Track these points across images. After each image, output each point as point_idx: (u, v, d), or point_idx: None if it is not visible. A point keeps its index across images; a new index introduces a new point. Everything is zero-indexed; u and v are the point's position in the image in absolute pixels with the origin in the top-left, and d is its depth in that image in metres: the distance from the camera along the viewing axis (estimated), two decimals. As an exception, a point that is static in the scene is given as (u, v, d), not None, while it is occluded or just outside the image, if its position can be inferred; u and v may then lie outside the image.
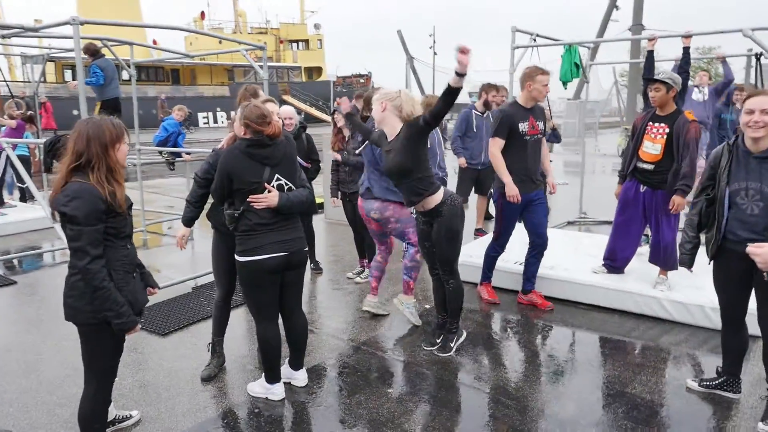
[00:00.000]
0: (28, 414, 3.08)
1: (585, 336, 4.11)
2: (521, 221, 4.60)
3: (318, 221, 6.90)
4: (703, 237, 3.08)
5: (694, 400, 3.17)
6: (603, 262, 4.82)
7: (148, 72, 36.32)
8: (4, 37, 5.05)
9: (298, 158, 3.21)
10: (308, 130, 5.21)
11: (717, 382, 3.18)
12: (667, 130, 4.26)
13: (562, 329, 4.22)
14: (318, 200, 7.39)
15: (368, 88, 36.67)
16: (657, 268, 4.56)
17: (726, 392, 3.15)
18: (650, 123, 4.39)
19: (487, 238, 6.05)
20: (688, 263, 3.14)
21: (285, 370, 3.29)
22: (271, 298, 3.01)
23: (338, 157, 5.17)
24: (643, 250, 4.97)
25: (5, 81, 8.05)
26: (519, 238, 5.91)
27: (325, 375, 3.50)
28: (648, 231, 4.80)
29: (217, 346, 3.52)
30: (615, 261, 4.75)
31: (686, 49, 5.25)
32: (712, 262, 3.05)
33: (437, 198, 3.51)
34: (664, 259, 4.44)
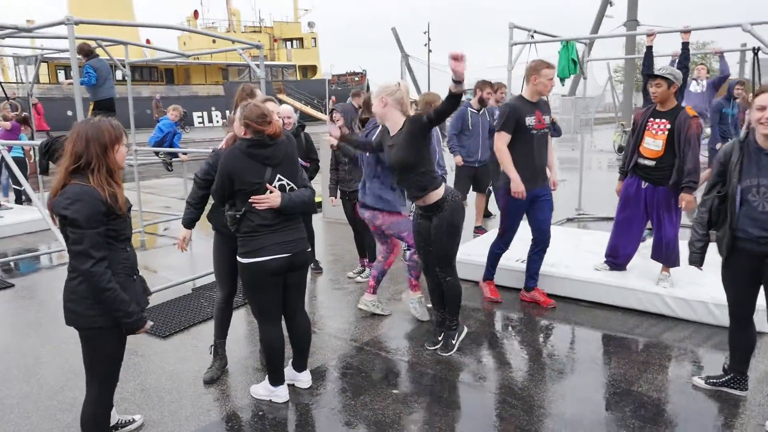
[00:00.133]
0: (29, 419, 3.04)
1: (588, 334, 4.09)
2: (525, 218, 4.57)
3: (316, 220, 6.85)
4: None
5: (701, 397, 3.15)
6: (605, 259, 4.80)
7: (142, 72, 36.14)
8: (-2, 37, 4.98)
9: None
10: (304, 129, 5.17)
11: (724, 379, 3.16)
12: (668, 126, 4.25)
13: (565, 327, 4.21)
14: (317, 199, 7.36)
15: (363, 86, 36.76)
16: (659, 265, 4.55)
17: (733, 389, 3.14)
18: (651, 119, 4.37)
19: (488, 236, 6.05)
20: (699, 262, 3.11)
21: (288, 371, 3.26)
22: (275, 299, 2.97)
23: (333, 141, 5.11)
24: (647, 243, 4.91)
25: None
26: (520, 235, 5.90)
27: (328, 376, 3.47)
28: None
29: (219, 348, 3.48)
30: (617, 258, 4.73)
31: (685, 45, 5.23)
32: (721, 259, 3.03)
33: (439, 193, 3.51)
34: (666, 255, 4.43)
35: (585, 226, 7.46)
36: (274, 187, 2.85)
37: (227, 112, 36.30)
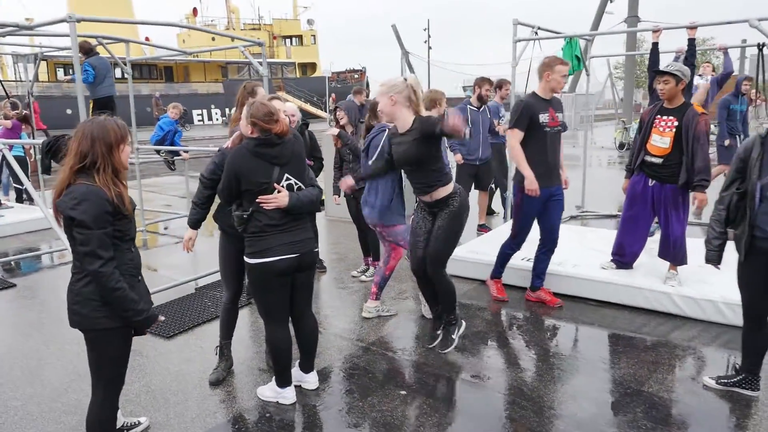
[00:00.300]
0: (34, 422, 3.00)
1: (596, 333, 4.06)
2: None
3: (319, 219, 6.82)
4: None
5: (712, 398, 3.12)
6: (611, 258, 4.77)
7: (141, 70, 36.06)
8: (-1, 35, 4.94)
9: None
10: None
11: (735, 379, 3.13)
12: (676, 123, 4.21)
13: (572, 326, 4.18)
14: (320, 198, 7.32)
15: (363, 83, 36.65)
16: (665, 263, 4.52)
17: (745, 390, 3.10)
18: (658, 116, 4.33)
19: (493, 234, 6.02)
20: (716, 260, 3.07)
21: (295, 372, 3.22)
22: (282, 300, 2.93)
23: (335, 131, 5.08)
24: (655, 238, 4.86)
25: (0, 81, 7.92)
26: (531, 235, 5.87)
27: (335, 377, 3.44)
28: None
29: (225, 349, 3.45)
30: (623, 256, 4.70)
31: (692, 41, 5.19)
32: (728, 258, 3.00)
33: (448, 189, 3.48)
34: (673, 253, 4.40)
35: (587, 224, 7.43)
36: (282, 186, 2.81)
37: (227, 109, 36.37)
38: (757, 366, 3.06)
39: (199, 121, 35.87)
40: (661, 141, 4.29)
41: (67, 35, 4.42)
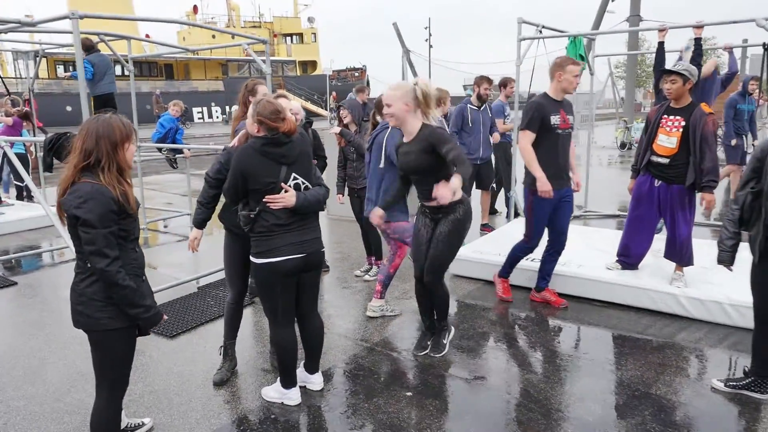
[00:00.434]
0: (36, 423, 2.97)
1: (602, 334, 4.03)
2: None
3: (321, 217, 6.79)
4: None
5: (721, 401, 3.09)
6: (617, 258, 4.74)
7: (141, 67, 35.99)
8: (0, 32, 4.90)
9: None
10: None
11: (744, 382, 3.10)
12: (683, 123, 4.17)
13: (578, 327, 4.15)
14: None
15: (363, 81, 36.58)
16: (671, 264, 4.49)
17: (754, 393, 3.08)
18: (665, 116, 4.30)
19: (496, 234, 5.99)
20: (729, 261, 3.03)
21: (300, 373, 3.19)
22: (288, 300, 2.90)
23: (337, 130, 5.06)
24: (661, 236, 4.82)
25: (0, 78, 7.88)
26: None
27: (340, 378, 3.41)
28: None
29: (229, 349, 3.42)
30: (629, 257, 4.67)
31: (698, 40, 5.16)
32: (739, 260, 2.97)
33: (458, 195, 3.39)
34: (679, 254, 4.37)
35: (588, 224, 7.40)
36: (289, 186, 2.77)
37: (227, 107, 36.32)
38: (766, 369, 3.03)
39: (199, 118, 35.82)
40: (667, 141, 4.26)
41: (69, 32, 4.39)
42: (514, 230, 6.12)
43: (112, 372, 2.39)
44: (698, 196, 4.26)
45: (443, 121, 5.16)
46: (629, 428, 2.84)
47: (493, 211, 7.78)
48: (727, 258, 3.02)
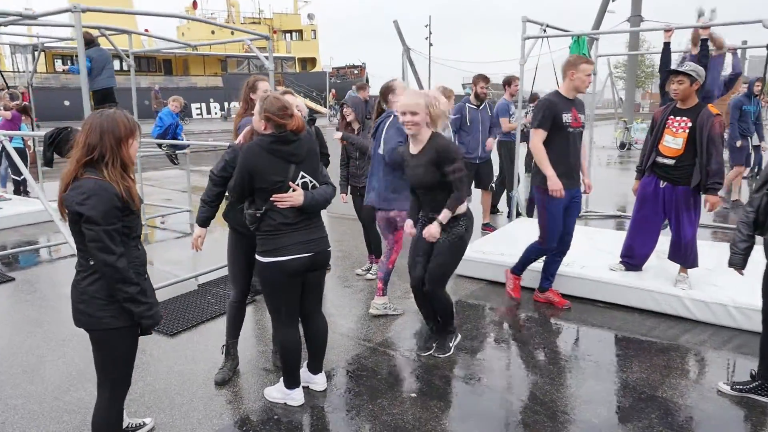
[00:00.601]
0: (35, 421, 2.93)
1: (606, 336, 4.00)
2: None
3: (322, 215, 6.76)
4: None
5: (727, 404, 3.07)
6: (620, 259, 4.71)
7: (140, 62, 35.80)
8: (0, 25, 4.84)
9: None
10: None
11: (751, 386, 3.08)
12: (690, 124, 4.15)
13: (582, 329, 4.12)
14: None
15: (362, 79, 36.50)
16: (674, 265, 4.47)
17: (761, 396, 3.05)
18: (671, 116, 4.27)
19: (498, 234, 5.96)
20: (740, 264, 3.00)
21: (303, 373, 3.15)
22: (294, 300, 2.86)
23: (338, 135, 5.03)
24: (666, 231, 4.76)
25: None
26: (531, 235, 5.82)
27: (343, 378, 3.37)
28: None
29: (231, 349, 3.38)
30: (633, 258, 4.65)
31: (704, 41, 5.12)
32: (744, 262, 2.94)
33: (462, 208, 3.37)
34: (684, 256, 4.34)
35: (588, 224, 7.37)
36: (297, 184, 2.73)
37: (226, 103, 36.18)
38: (774, 373, 3.01)
39: (197, 114, 35.67)
40: (673, 142, 4.23)
41: (69, 25, 4.33)
42: (516, 230, 6.10)
43: (114, 371, 2.35)
44: (702, 197, 4.24)
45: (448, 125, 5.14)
46: (636, 431, 2.82)
47: (494, 211, 7.75)
48: (738, 261, 2.98)
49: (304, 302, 2.95)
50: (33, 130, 8.20)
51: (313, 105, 36.38)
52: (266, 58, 5.36)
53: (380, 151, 4.13)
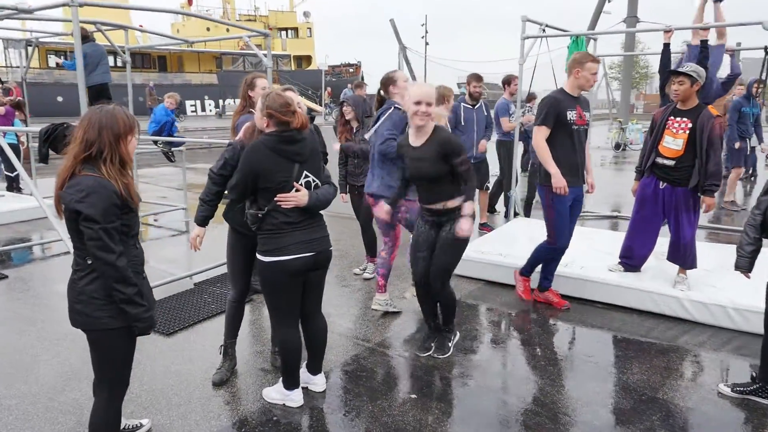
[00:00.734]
0: (29, 422, 2.88)
1: (606, 337, 3.99)
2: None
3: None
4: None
5: (728, 406, 3.06)
6: (619, 260, 4.71)
7: (134, 58, 35.48)
8: (-6, 18, 4.77)
9: None
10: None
11: (752, 388, 3.07)
12: (690, 125, 4.14)
13: (581, 330, 4.11)
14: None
15: (358, 77, 36.39)
16: (673, 266, 4.47)
17: (761, 399, 3.04)
18: (671, 117, 4.27)
19: (494, 234, 5.94)
20: (747, 267, 2.98)
21: (302, 374, 3.11)
22: (295, 300, 2.83)
23: (337, 147, 4.99)
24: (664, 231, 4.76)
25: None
26: (530, 234, 5.81)
27: (342, 379, 3.34)
28: None
29: (229, 349, 3.34)
30: (632, 259, 4.64)
31: (704, 42, 5.12)
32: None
33: (461, 200, 3.35)
34: (683, 257, 4.34)
35: (584, 224, 7.36)
36: (301, 184, 2.70)
37: (221, 101, 35.99)
38: (776, 375, 3.00)
39: (192, 112, 35.47)
40: (674, 143, 4.22)
41: (65, 20, 4.27)
42: (513, 230, 6.09)
43: (112, 372, 2.31)
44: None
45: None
46: (638, 434, 2.80)
47: (491, 211, 7.73)
48: (745, 264, 2.97)
49: (305, 302, 2.91)
50: (26, 125, 8.11)
51: (310, 103, 36.29)
52: (264, 55, 5.30)
53: (375, 140, 4.11)
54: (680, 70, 4.13)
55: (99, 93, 6.66)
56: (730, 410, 3.02)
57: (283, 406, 3.00)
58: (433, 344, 3.69)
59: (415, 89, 3.22)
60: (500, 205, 7.86)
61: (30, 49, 7.76)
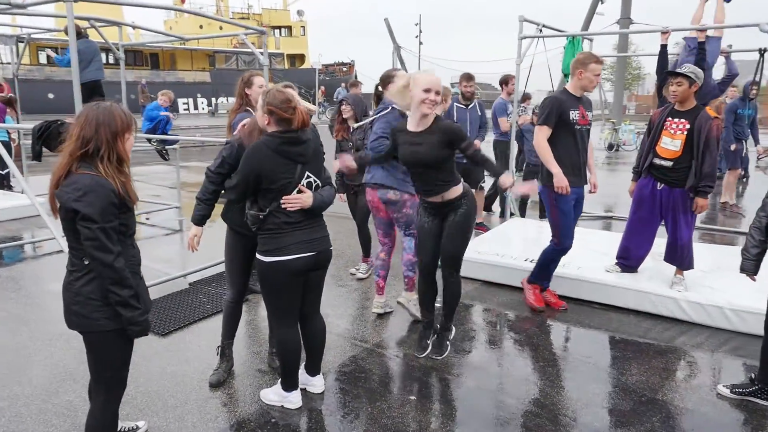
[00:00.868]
0: (23, 425, 2.83)
1: (604, 338, 3.99)
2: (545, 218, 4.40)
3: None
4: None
5: (728, 407, 3.06)
6: (616, 261, 4.71)
7: (126, 55, 35.24)
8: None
9: None
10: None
11: (751, 389, 3.07)
12: (688, 126, 4.14)
13: (579, 330, 4.10)
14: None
15: (351, 76, 36.31)
16: (669, 267, 4.47)
17: (760, 400, 3.05)
18: (669, 118, 4.27)
19: (491, 234, 5.93)
20: (752, 270, 2.98)
21: (300, 375, 3.08)
22: (295, 300, 2.80)
23: (337, 166, 4.98)
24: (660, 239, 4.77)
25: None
26: (528, 235, 5.82)
27: (340, 380, 3.31)
28: None
29: (226, 350, 3.30)
30: (629, 260, 4.64)
31: (701, 44, 5.14)
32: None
33: (459, 189, 3.35)
34: (680, 258, 4.34)
35: (578, 225, 7.36)
36: (303, 185, 2.67)
37: (213, 99, 35.79)
38: (775, 377, 3.01)
39: (184, 110, 35.25)
40: (671, 144, 4.22)
41: (61, 16, 4.21)
42: (510, 230, 6.09)
43: (110, 374, 2.27)
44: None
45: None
46: (639, 436, 2.79)
47: (488, 210, 7.73)
48: (750, 267, 2.96)
49: (304, 302, 2.88)
50: (18, 122, 8.01)
51: (305, 102, 36.15)
52: (261, 53, 5.26)
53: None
54: (678, 71, 4.13)
55: (92, 90, 6.59)
56: (730, 411, 3.02)
57: (281, 408, 2.97)
58: (429, 343, 3.67)
59: (425, 77, 3.19)
60: (495, 205, 7.86)
61: (21, 45, 7.66)
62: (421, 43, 41.56)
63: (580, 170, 4.16)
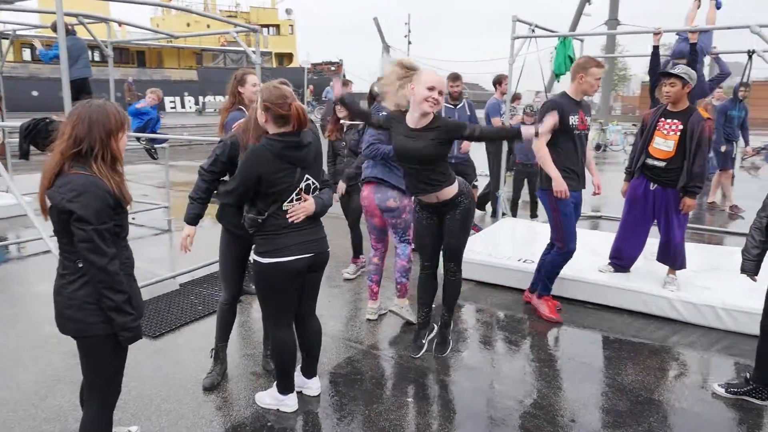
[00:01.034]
0: (11, 431, 2.76)
1: (598, 338, 4.00)
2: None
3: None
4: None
5: (723, 407, 3.08)
6: (609, 261, 4.72)
7: (113, 53, 34.86)
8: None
9: None
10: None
11: (746, 389, 3.09)
12: (681, 127, 4.16)
13: (573, 330, 4.11)
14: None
15: (339, 75, 36.21)
16: (662, 267, 4.49)
17: (755, 399, 3.07)
18: (662, 119, 4.29)
19: (484, 234, 5.93)
20: (753, 270, 2.98)
21: (296, 378, 3.04)
22: (292, 302, 2.76)
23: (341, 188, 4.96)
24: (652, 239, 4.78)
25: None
26: (525, 236, 5.82)
27: (337, 382, 3.27)
28: None
29: (220, 352, 3.25)
30: (621, 260, 4.66)
31: (693, 45, 5.17)
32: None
33: (455, 188, 3.32)
34: (673, 258, 4.37)
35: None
36: (301, 188, 2.64)
37: (201, 97, 35.47)
38: (771, 377, 3.02)
39: (171, 108, 34.86)
40: (664, 144, 4.24)
41: (50, 12, 4.12)
42: (502, 230, 6.09)
43: (104, 379, 2.21)
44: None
45: None
46: (637, 436, 2.79)
47: (480, 207, 7.73)
48: (751, 267, 2.97)
49: (301, 304, 2.84)
50: (3, 120, 7.85)
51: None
52: (253, 51, 5.20)
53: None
54: (672, 72, 4.15)
55: (79, 88, 6.48)
56: (725, 411, 3.04)
57: (277, 411, 2.93)
58: (425, 342, 3.65)
59: (430, 75, 3.13)
60: (488, 206, 7.85)
61: (6, 42, 7.51)
62: (410, 42, 41.59)
63: (579, 175, 4.16)
